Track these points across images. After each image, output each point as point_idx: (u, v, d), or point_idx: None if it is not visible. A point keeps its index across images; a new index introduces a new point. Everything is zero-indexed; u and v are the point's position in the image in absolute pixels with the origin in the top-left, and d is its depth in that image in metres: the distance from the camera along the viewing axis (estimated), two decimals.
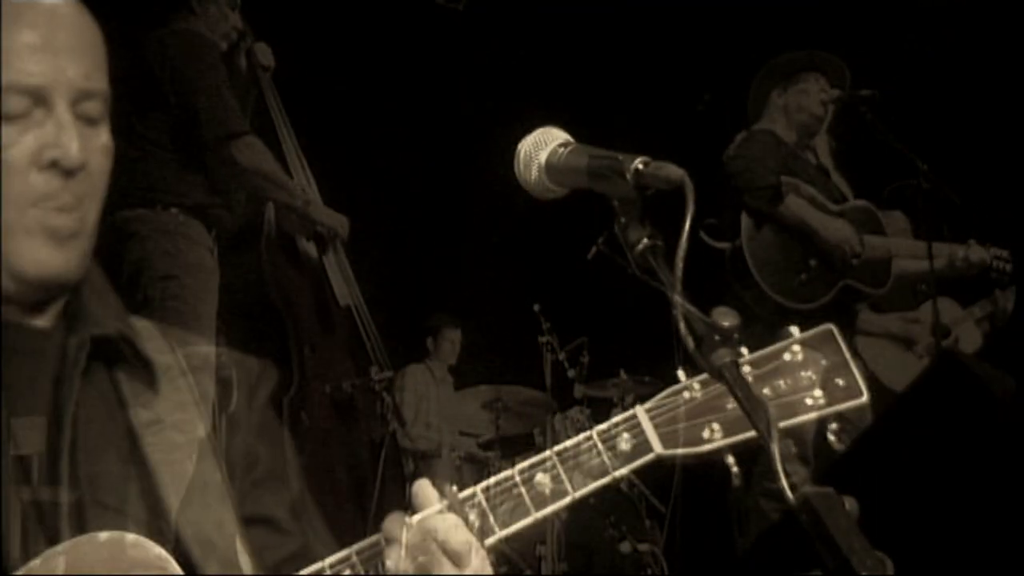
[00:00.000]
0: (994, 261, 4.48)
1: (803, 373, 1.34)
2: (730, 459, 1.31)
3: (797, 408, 1.33)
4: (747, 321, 1.20)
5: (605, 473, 1.31)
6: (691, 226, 1.17)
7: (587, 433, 1.30)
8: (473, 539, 1.25)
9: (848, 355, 1.34)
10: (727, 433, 1.31)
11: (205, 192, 3.64)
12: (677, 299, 1.17)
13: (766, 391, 1.32)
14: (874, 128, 4.27)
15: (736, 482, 1.29)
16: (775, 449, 1.09)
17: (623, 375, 5.67)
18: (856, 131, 4.43)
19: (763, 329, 4.20)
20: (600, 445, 1.30)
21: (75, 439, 1.31)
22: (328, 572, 1.27)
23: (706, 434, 1.31)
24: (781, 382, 1.34)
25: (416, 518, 1.26)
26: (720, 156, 4.33)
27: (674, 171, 1.23)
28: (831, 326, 1.36)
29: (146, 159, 3.57)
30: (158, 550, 1.26)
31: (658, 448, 1.31)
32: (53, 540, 1.26)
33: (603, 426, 1.31)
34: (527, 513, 1.29)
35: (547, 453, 1.30)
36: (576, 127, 1.43)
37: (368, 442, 3.92)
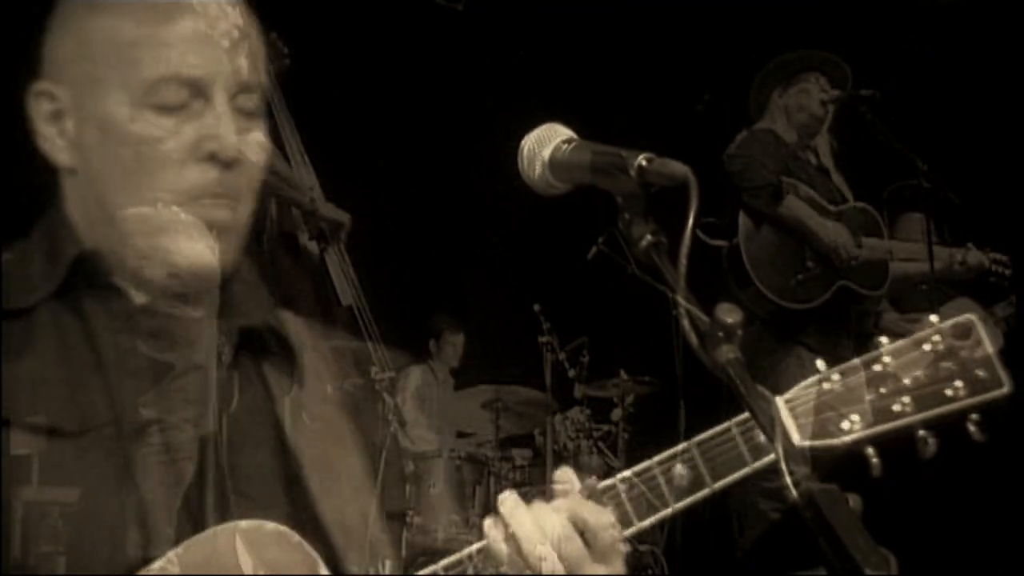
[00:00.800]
0: (993, 266, 4.49)
1: (943, 363, 1.31)
2: (869, 450, 1.29)
3: (939, 399, 1.30)
4: (747, 322, 1.20)
5: (744, 465, 1.29)
6: (695, 223, 1.17)
7: (726, 424, 1.29)
8: (618, 541, 1.24)
9: (990, 345, 1.32)
10: (866, 425, 1.29)
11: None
12: (680, 296, 1.17)
13: (906, 381, 1.31)
14: (874, 128, 4.27)
15: (875, 473, 1.27)
16: (778, 445, 1.09)
17: (623, 375, 5.68)
18: (856, 131, 4.43)
19: (760, 328, 4.22)
20: (739, 436, 1.28)
21: (220, 431, 1.32)
22: (441, 574, 1.27)
23: (845, 426, 1.29)
24: (920, 372, 1.31)
25: (563, 504, 1.25)
26: (720, 156, 4.33)
27: (678, 167, 1.23)
28: (972, 316, 1.34)
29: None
30: (297, 539, 1.26)
31: (796, 440, 1.29)
32: (199, 531, 1.27)
33: (742, 416, 1.29)
34: (665, 505, 1.28)
35: (685, 444, 1.28)
36: (576, 127, 1.43)
37: (369, 442, 3.91)
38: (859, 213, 4.41)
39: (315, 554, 1.28)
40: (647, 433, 5.67)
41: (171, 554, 1.25)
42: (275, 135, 4.18)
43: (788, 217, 4.16)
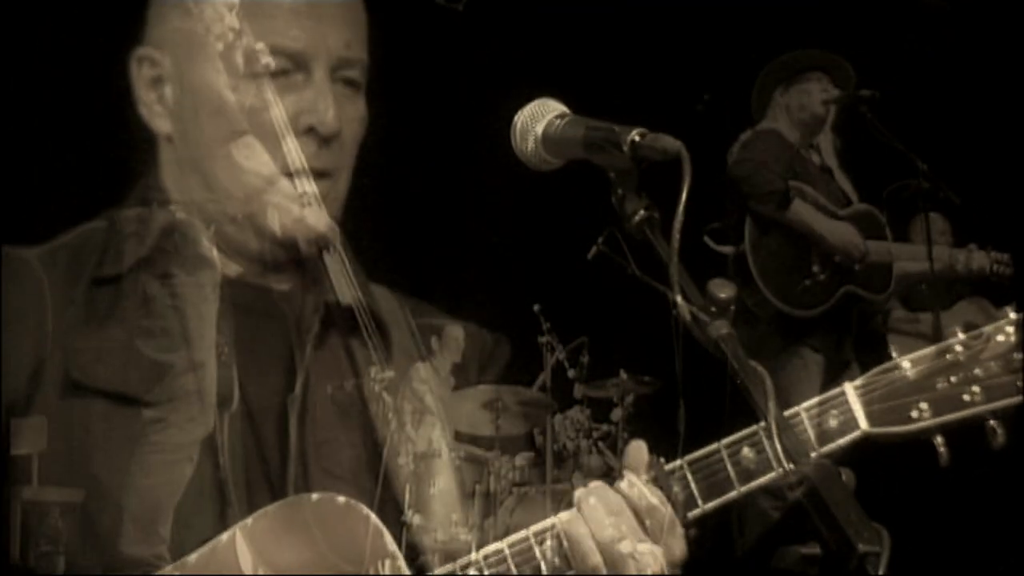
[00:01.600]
0: (994, 265, 4.49)
1: (1015, 355, 1.33)
2: (938, 439, 1.29)
3: (1010, 389, 1.31)
4: (752, 323, 1.20)
5: (811, 450, 1.28)
6: (687, 197, 1.17)
7: (795, 408, 1.29)
8: (677, 523, 1.24)
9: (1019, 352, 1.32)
10: (936, 413, 1.30)
11: (203, 189, 3.65)
12: (673, 270, 1.17)
13: (977, 371, 1.30)
14: (874, 128, 4.27)
15: (943, 462, 1.27)
16: (772, 423, 1.09)
17: (623, 375, 5.67)
18: (856, 131, 4.43)
19: (766, 329, 4.22)
20: (807, 421, 1.28)
21: (305, 405, 1.32)
22: (507, 551, 1.27)
23: (914, 414, 1.30)
24: (992, 363, 1.32)
25: (622, 483, 1.25)
26: (721, 156, 4.32)
27: (671, 142, 1.23)
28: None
29: (143, 156, 3.58)
30: (366, 512, 1.26)
31: (865, 426, 1.30)
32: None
33: (812, 401, 1.29)
34: (731, 487, 1.28)
35: (754, 428, 1.28)
36: None
37: (369, 442, 3.91)
38: (863, 215, 4.42)
39: (383, 528, 1.29)
40: (647, 433, 5.64)
41: (238, 526, 1.25)
42: (271, 138, 4.19)
43: (796, 222, 4.17)
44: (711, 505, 1.28)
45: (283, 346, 1.36)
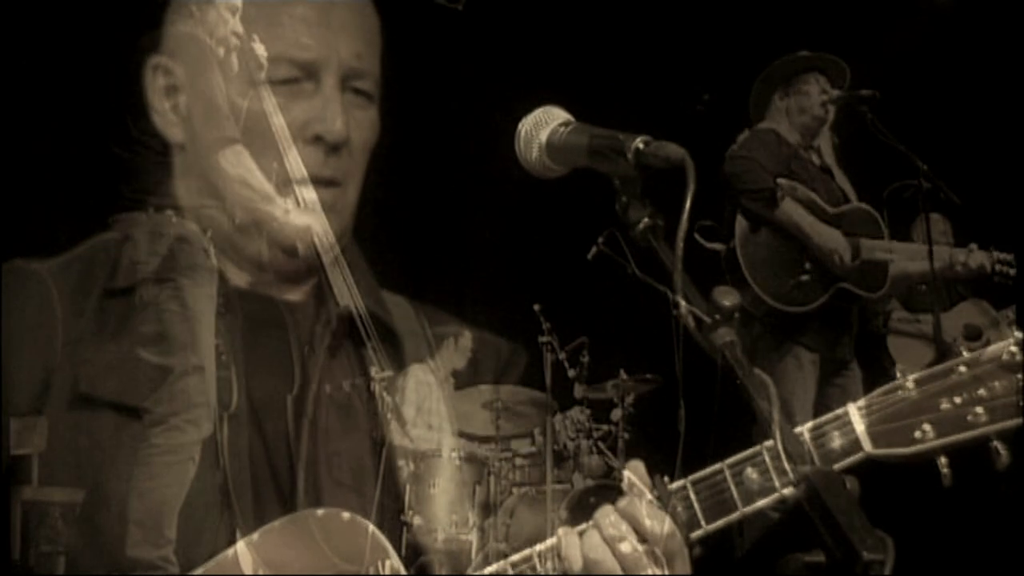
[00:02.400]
0: (996, 266, 4.47)
1: (1020, 375, 1.29)
2: (942, 460, 1.28)
3: (1014, 410, 1.29)
4: (746, 323, 1.20)
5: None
6: (692, 205, 1.17)
7: (798, 429, 1.27)
8: (682, 545, 1.24)
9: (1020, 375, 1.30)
10: (939, 434, 1.27)
11: (199, 194, 3.65)
12: (677, 278, 1.17)
13: (982, 391, 1.29)
14: (874, 128, 4.27)
15: (946, 483, 1.26)
16: (776, 430, 1.09)
17: (623, 375, 5.67)
18: (856, 131, 4.44)
19: (759, 328, 4.23)
20: (810, 442, 1.27)
21: (316, 416, 1.31)
22: (511, 572, 1.27)
23: (917, 435, 1.28)
24: (996, 383, 1.29)
25: (622, 503, 1.25)
26: (720, 157, 4.33)
27: (675, 150, 1.23)
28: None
29: (137, 160, 3.58)
30: (371, 528, 1.26)
31: (868, 447, 1.27)
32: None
33: (813, 423, 1.28)
34: (734, 508, 1.27)
35: (758, 448, 1.27)
36: None
37: (369, 442, 3.92)
38: (860, 214, 4.41)
39: (387, 544, 1.29)
40: (647, 433, 5.67)
41: (243, 541, 1.25)
42: (269, 142, 4.19)
43: (785, 221, 4.17)
44: (714, 526, 1.27)
45: (287, 353, 1.36)
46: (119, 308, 1.38)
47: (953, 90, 5.65)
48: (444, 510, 5.36)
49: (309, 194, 1.38)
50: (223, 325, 1.42)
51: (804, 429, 1.27)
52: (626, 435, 5.64)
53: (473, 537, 5.42)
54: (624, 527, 1.24)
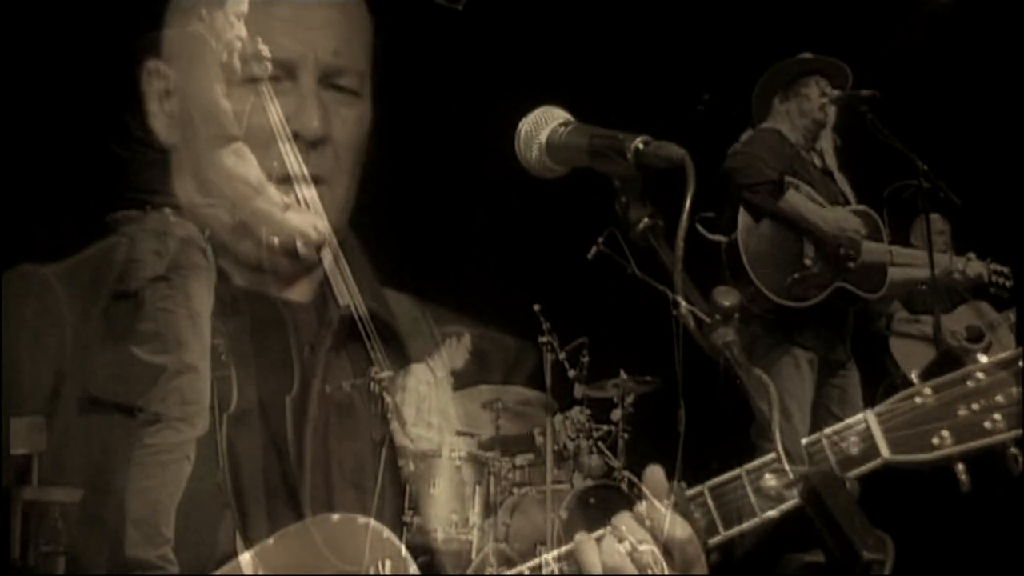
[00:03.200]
0: (992, 276, 4.48)
1: (994, 398, 1.29)
2: (959, 467, 1.27)
3: (979, 430, 1.29)
4: (744, 320, 1.19)
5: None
6: (692, 205, 1.17)
7: (816, 435, 1.27)
8: (700, 551, 1.23)
9: None
10: (957, 441, 1.27)
11: (197, 192, 3.65)
12: (677, 278, 1.17)
13: (999, 398, 1.28)
14: (874, 128, 4.27)
15: (964, 489, 1.26)
16: (776, 430, 1.09)
17: (623, 375, 5.67)
18: (856, 131, 4.44)
19: (757, 327, 4.23)
20: (828, 448, 1.26)
21: (316, 417, 1.31)
22: (527, 574, 1.27)
23: (935, 441, 1.27)
24: (1014, 390, 1.29)
25: (640, 509, 1.24)
26: (720, 157, 4.33)
27: (675, 150, 1.23)
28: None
29: (136, 159, 3.58)
30: (387, 534, 1.26)
31: (886, 453, 1.27)
32: (300, 518, 1.27)
33: (832, 429, 1.27)
34: (752, 514, 1.27)
35: (774, 454, 1.27)
36: None
37: (368, 442, 3.91)
38: (859, 216, 4.42)
39: (404, 550, 1.29)
40: (647, 433, 5.67)
41: (258, 547, 1.25)
42: (270, 142, 4.20)
43: (789, 212, 4.17)
44: (731, 532, 1.27)
45: (287, 353, 1.36)
46: (127, 311, 1.38)
47: (953, 90, 5.65)
48: (444, 510, 5.36)
49: (309, 193, 1.38)
50: (222, 325, 1.42)
51: (822, 435, 1.26)
52: (626, 435, 5.64)
53: (473, 537, 5.42)
54: (642, 533, 1.24)
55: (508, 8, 6.12)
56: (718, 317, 1.14)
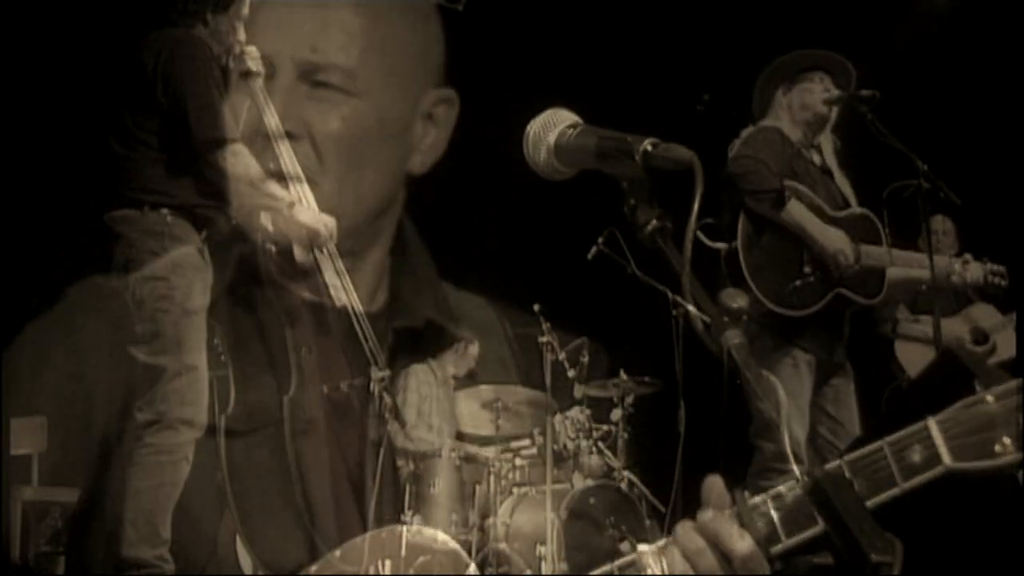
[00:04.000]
0: (989, 277, 4.47)
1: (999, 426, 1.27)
2: (1021, 474, 1.27)
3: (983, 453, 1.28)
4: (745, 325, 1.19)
5: (894, 485, 1.25)
6: (700, 208, 1.16)
7: (878, 443, 1.25)
8: (763, 560, 1.22)
9: None
10: (1020, 447, 1.26)
11: (195, 193, 3.65)
12: (685, 280, 1.16)
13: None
14: (874, 128, 4.26)
15: None
16: (784, 432, 1.08)
17: (623, 375, 5.67)
18: (857, 131, 4.43)
19: (756, 330, 4.22)
20: (890, 456, 1.25)
21: (314, 417, 1.31)
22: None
23: (998, 448, 1.26)
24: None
25: (703, 518, 1.23)
26: (721, 157, 4.32)
27: (683, 152, 1.23)
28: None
29: (135, 159, 3.57)
30: (466, 561, 1.26)
31: (948, 460, 1.26)
32: (299, 517, 1.26)
33: (894, 436, 1.26)
34: (814, 523, 1.24)
35: (837, 462, 1.25)
36: None
37: (367, 442, 3.91)
38: (860, 220, 4.41)
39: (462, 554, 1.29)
40: (647, 433, 5.67)
41: (328, 556, 1.25)
42: (267, 143, 4.20)
43: (790, 222, 4.16)
44: (793, 540, 1.26)
45: (285, 353, 1.36)
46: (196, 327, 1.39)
47: (953, 90, 5.65)
48: (444, 510, 5.36)
49: (309, 193, 1.38)
50: (220, 325, 1.42)
51: (884, 443, 1.25)
52: (626, 435, 5.64)
53: (473, 537, 5.41)
54: (703, 543, 1.23)
55: (511, 12, 6.11)
56: (726, 319, 1.14)
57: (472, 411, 6.03)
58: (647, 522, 5.31)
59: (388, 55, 1.45)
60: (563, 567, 4.96)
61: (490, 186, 6.26)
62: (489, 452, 5.66)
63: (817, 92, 4.39)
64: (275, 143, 4.71)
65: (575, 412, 5.72)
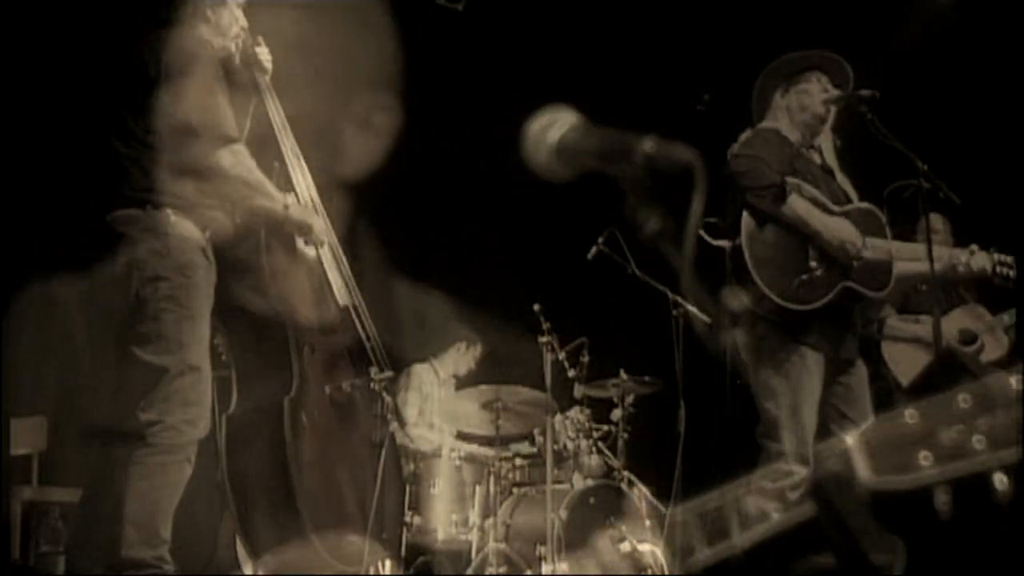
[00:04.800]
0: (996, 267, 4.46)
1: (979, 420, 1.28)
2: (941, 489, 1.26)
3: (1015, 438, 1.27)
4: (751, 322, 1.19)
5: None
6: (702, 207, 1.16)
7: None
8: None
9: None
10: (938, 463, 1.25)
11: (197, 192, 3.64)
12: (685, 280, 1.17)
13: (982, 420, 1.27)
14: (874, 128, 4.26)
15: (944, 517, 1.25)
16: (785, 434, 1.08)
17: (623, 375, 5.67)
18: (856, 131, 4.43)
19: (764, 327, 4.21)
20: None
21: (315, 416, 1.32)
22: None
23: (919, 463, 1.26)
24: (999, 412, 1.27)
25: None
26: (721, 157, 4.32)
27: (684, 152, 1.23)
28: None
29: (138, 159, 3.56)
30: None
31: (866, 475, 1.26)
32: (299, 518, 1.25)
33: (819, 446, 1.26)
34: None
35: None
36: None
37: (368, 442, 3.90)
38: (863, 214, 4.40)
39: None
40: (647, 433, 5.67)
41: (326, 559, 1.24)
42: (271, 142, 4.19)
43: (792, 217, 4.16)
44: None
45: (286, 353, 1.37)
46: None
47: (953, 90, 5.65)
48: (444, 510, 5.37)
49: (310, 192, 1.39)
50: (221, 325, 1.42)
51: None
52: (626, 435, 5.64)
53: (473, 537, 5.42)
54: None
55: (511, 12, 6.12)
56: (727, 319, 1.14)
57: (472, 411, 6.05)
58: (647, 522, 5.32)
59: (314, 56, 1.46)
60: (563, 567, 4.96)
61: (490, 187, 6.27)
62: (489, 452, 5.67)
63: (815, 93, 4.38)
64: (280, 137, 4.72)
65: (575, 412, 5.73)
